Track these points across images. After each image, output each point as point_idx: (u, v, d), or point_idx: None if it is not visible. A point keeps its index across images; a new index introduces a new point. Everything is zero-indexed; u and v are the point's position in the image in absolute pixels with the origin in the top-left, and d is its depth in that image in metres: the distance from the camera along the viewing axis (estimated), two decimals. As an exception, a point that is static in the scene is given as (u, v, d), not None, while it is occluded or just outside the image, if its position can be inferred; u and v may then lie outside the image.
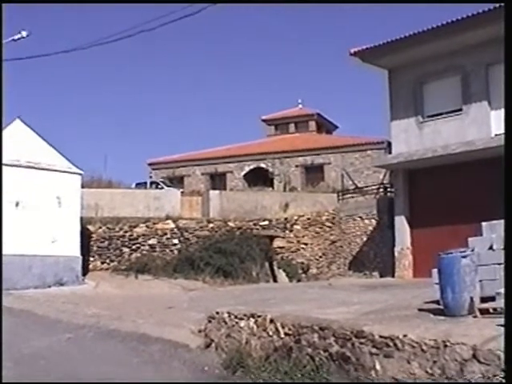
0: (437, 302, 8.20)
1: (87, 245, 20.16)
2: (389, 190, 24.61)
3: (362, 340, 6.61)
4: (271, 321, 7.95)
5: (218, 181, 40.26)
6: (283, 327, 7.72)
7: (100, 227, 21.24)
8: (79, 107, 77.79)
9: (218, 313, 9.05)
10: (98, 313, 12.22)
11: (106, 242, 21.11)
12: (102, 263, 20.84)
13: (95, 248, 20.84)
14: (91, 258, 20.55)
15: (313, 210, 25.19)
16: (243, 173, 39.65)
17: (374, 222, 23.10)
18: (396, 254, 20.89)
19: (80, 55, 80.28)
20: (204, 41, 77.78)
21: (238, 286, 19.43)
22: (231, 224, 23.23)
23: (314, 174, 37.38)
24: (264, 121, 46.07)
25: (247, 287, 18.64)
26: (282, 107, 47.61)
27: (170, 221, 22.46)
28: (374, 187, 26.86)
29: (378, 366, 6.36)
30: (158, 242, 21.87)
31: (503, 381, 5.30)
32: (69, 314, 12.35)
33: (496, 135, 17.75)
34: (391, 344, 6.29)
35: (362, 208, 23.86)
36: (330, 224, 24.68)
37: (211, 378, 7.56)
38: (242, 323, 8.42)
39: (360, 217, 23.66)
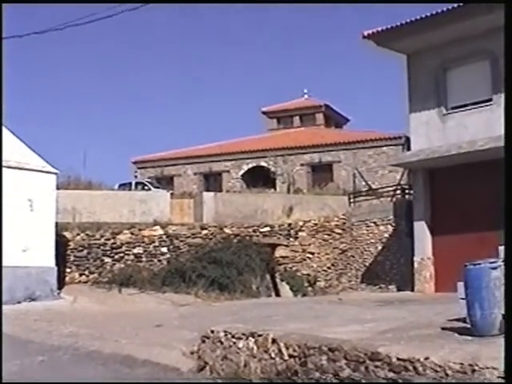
0: (463, 320, 8.17)
1: (63, 254, 20.13)
2: (407, 191, 24.59)
3: (378, 363, 6.58)
4: (273, 341, 7.92)
5: (212, 181, 40.32)
6: (287, 348, 7.69)
7: (78, 234, 21.20)
8: (54, 98, 77.89)
9: (212, 331, 9.03)
10: (76, 332, 12.19)
11: (85, 251, 21.07)
12: (81, 275, 20.80)
13: (72, 258, 20.79)
14: (68, 270, 20.50)
15: (320, 214, 25.18)
16: (241, 172, 39.68)
17: (390, 228, 23.08)
18: (415, 264, 20.86)
19: (55, 38, 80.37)
20: (196, 21, 77.93)
21: (235, 300, 19.45)
22: (227, 230, 23.23)
23: (321, 173, 37.41)
24: (265, 113, 46.14)
25: (246, 302, 18.65)
26: (286, 98, 47.76)
27: (157, 227, 22.45)
28: (390, 189, 26.86)
29: (395, 393, 6.33)
30: (145, 251, 21.85)
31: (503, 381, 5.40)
32: (42, 334, 12.31)
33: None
34: (411, 368, 6.25)
35: (377, 212, 23.84)
36: (339, 231, 24.67)
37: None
38: (241, 343, 8.39)
39: (374, 222, 23.64)
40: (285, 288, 22.48)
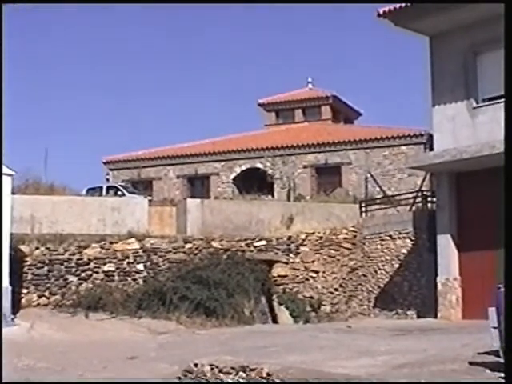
0: (495, 353, 8.13)
1: (19, 272, 20.08)
2: (429, 199, 24.60)
3: (393, 404, 6.55)
4: (269, 375, 7.88)
5: (198, 186, 40.38)
6: (285, 385, 7.64)
7: (37, 248, 21.15)
8: (11, 87, 77.70)
9: (196, 365, 8.99)
10: (33, 365, 12.15)
11: (46, 268, 21.02)
12: (40, 297, 20.75)
13: (30, 276, 20.74)
14: (24, 290, 20.46)
15: (326, 225, 25.17)
16: (233, 175, 39.71)
17: (408, 242, 23.07)
18: (439, 286, 20.86)
19: (17, 15, 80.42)
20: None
21: (224, 327, 19.48)
22: (216, 244, 23.20)
23: (327, 177, 37.50)
24: (261, 105, 46.23)
25: (237, 330, 18.66)
26: (286, 88, 47.89)
27: (133, 239, 22.44)
28: (408, 196, 26.87)
29: None
30: (117, 269, 21.83)
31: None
32: (-8, 367, 12.23)
33: None
34: (432, 410, 6.23)
35: (393, 224, 23.84)
36: (349, 245, 24.67)
37: None
38: (229, 379, 8.34)
39: (390, 236, 23.64)
40: (283, 313, 22.46)
